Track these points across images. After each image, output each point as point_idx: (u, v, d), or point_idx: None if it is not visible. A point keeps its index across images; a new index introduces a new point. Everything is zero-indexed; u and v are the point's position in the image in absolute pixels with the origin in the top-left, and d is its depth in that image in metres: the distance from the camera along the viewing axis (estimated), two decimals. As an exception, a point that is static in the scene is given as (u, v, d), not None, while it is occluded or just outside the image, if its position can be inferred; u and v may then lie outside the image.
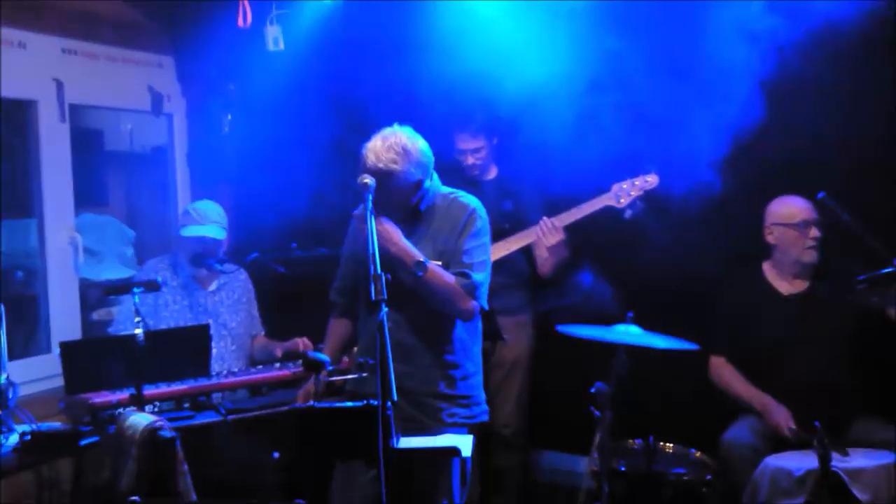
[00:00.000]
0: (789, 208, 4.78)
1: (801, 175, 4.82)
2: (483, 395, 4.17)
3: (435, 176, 4.04)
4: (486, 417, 4.17)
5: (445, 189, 4.09)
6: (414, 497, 3.84)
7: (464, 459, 3.74)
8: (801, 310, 4.73)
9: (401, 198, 3.89)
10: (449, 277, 3.88)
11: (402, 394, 3.32)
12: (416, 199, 3.94)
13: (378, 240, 3.50)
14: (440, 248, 3.95)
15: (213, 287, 5.04)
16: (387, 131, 3.87)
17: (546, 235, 5.01)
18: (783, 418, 4.54)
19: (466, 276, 3.93)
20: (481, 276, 3.98)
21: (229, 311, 5.06)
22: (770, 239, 4.84)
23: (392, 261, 3.74)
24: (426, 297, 3.87)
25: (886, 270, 3.91)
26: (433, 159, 3.98)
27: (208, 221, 4.97)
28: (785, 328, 4.71)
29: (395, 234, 3.82)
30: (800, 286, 4.80)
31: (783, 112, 4.71)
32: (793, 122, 4.76)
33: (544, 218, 5.03)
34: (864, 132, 4.80)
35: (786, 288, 4.82)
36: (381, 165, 3.78)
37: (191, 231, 4.93)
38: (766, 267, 4.89)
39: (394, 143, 3.81)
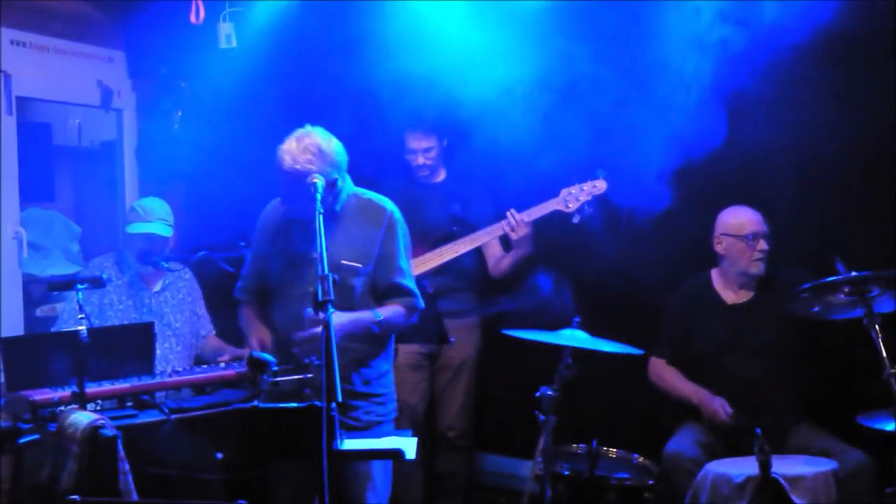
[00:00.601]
0: (739, 220, 4.78)
1: (750, 186, 4.86)
2: (394, 394, 4.16)
3: (347, 177, 4.01)
4: (395, 414, 4.16)
5: (357, 189, 4.08)
6: (337, 489, 3.77)
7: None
8: (744, 319, 4.75)
9: (310, 185, 3.82)
10: (398, 310, 3.95)
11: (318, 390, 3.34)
12: (332, 199, 3.91)
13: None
14: (358, 247, 3.93)
15: (157, 287, 4.98)
16: (300, 132, 3.87)
17: (516, 229, 4.99)
18: (719, 404, 4.57)
19: (408, 291, 3.99)
20: (414, 283, 4.05)
21: (174, 310, 5.00)
22: (718, 248, 4.84)
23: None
24: (384, 334, 3.96)
25: (828, 280, 3.93)
26: (347, 158, 3.96)
27: (154, 218, 4.91)
28: (726, 336, 4.73)
29: (343, 323, 3.74)
30: (744, 296, 4.82)
31: (735, 125, 4.72)
32: (743, 135, 4.78)
33: (512, 211, 5.00)
34: (815, 145, 4.84)
35: (730, 297, 4.83)
36: (297, 167, 3.78)
37: (137, 228, 4.87)
38: (714, 275, 4.90)
39: (309, 144, 3.82)
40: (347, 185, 4.01)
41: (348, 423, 3.89)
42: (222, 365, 4.71)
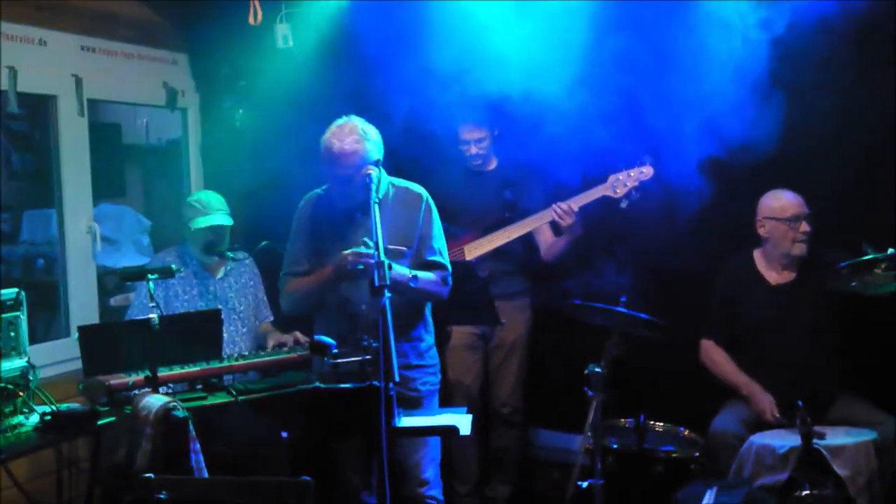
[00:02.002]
0: (781, 203, 4.78)
1: (789, 170, 4.83)
2: (439, 362, 4.33)
3: (382, 168, 4.12)
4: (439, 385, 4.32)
5: (392, 178, 4.22)
6: (396, 464, 3.96)
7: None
8: (787, 298, 4.74)
9: (363, 176, 3.97)
10: (432, 276, 4.12)
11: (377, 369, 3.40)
12: (374, 185, 3.98)
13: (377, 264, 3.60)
14: (401, 231, 4.09)
15: (220, 274, 5.05)
16: (341, 120, 4.08)
17: (563, 217, 5.00)
18: (768, 405, 4.56)
19: (442, 266, 4.17)
20: (448, 260, 4.23)
21: (238, 295, 5.06)
22: (761, 231, 4.84)
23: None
24: (417, 296, 4.10)
25: (866, 258, 3.91)
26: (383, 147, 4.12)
27: (213, 210, 4.98)
28: (770, 314, 4.72)
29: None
30: (787, 276, 4.81)
31: (770, 109, 4.66)
32: (779, 119, 4.69)
33: (557, 203, 5.01)
34: (848, 126, 4.80)
35: (773, 278, 4.83)
36: (345, 147, 3.96)
37: (201, 223, 4.93)
38: (757, 256, 4.89)
39: (352, 128, 4.02)
40: (384, 175, 4.14)
41: (408, 395, 4.04)
42: (286, 349, 4.78)
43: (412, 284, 3.97)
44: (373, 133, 4.06)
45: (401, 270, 3.95)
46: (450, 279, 4.18)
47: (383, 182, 4.11)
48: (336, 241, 4.05)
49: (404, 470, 4.06)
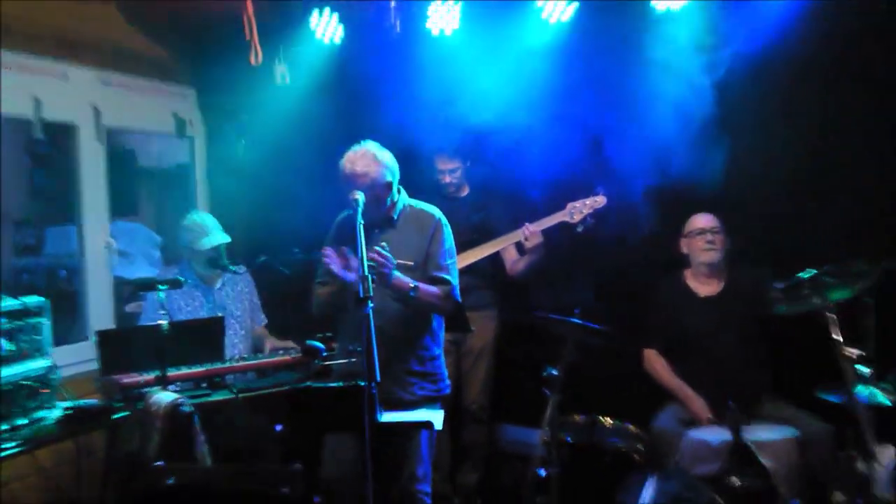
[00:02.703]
0: (692, 221, 4.93)
1: (724, 199, 4.95)
2: (446, 373, 4.25)
3: (402, 190, 4.14)
4: (448, 391, 4.24)
5: (411, 200, 4.21)
6: (390, 461, 3.92)
7: (432, 431, 3.84)
8: (715, 309, 4.81)
9: (376, 196, 3.99)
10: (434, 290, 4.01)
11: (383, 371, 3.39)
12: (389, 205, 4.02)
13: (378, 270, 3.67)
14: (414, 251, 4.06)
15: (218, 285, 5.08)
16: (357, 146, 4.03)
17: (529, 238, 5.08)
18: (702, 409, 4.61)
19: (446, 281, 4.07)
20: (455, 278, 4.12)
21: (234, 302, 5.09)
22: (684, 249, 4.95)
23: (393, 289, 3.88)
24: (420, 306, 4.00)
25: (795, 280, 4.00)
26: (399, 171, 4.09)
27: (213, 230, 5.02)
28: (702, 324, 4.78)
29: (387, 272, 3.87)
30: (714, 289, 4.88)
31: (705, 145, 4.81)
32: (720, 154, 4.85)
33: (526, 224, 5.09)
34: (779, 164, 4.92)
35: (702, 291, 4.90)
36: (357, 169, 3.93)
37: (206, 243, 4.95)
38: (687, 274, 4.97)
39: (366, 152, 3.99)
40: (402, 198, 4.15)
41: (406, 399, 4.00)
42: (281, 352, 4.84)
43: (412, 294, 3.91)
44: (386, 157, 4.03)
45: (403, 279, 3.90)
46: (455, 294, 4.09)
47: (399, 202, 4.12)
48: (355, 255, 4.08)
49: (398, 466, 4.02)
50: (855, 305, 4.04)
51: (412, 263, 4.03)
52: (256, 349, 5.08)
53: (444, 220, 4.18)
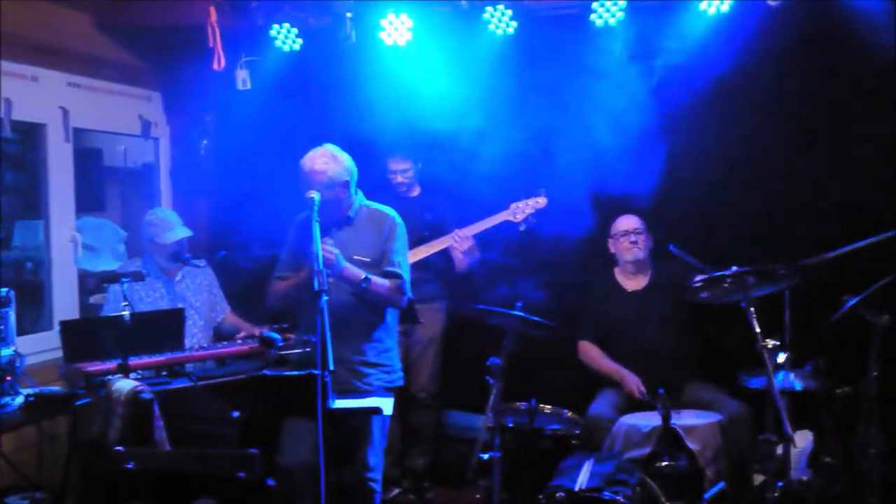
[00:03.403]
0: (618, 223, 4.95)
1: (647, 200, 4.94)
2: (399, 365, 4.21)
3: (360, 191, 4.08)
4: (401, 382, 4.21)
5: (367, 201, 4.16)
6: (344, 449, 3.88)
7: (383, 416, 3.77)
8: (642, 302, 4.84)
9: (334, 195, 3.94)
10: (386, 283, 3.98)
11: (340, 362, 3.34)
12: (347, 205, 3.96)
13: (325, 262, 3.59)
14: (370, 249, 4.02)
15: (178, 277, 4.95)
16: (318, 147, 4.00)
17: (458, 243, 5.05)
18: (635, 384, 4.63)
19: (398, 276, 4.04)
20: (406, 273, 4.10)
21: (194, 293, 4.97)
22: (612, 249, 4.97)
23: (344, 280, 3.84)
24: (372, 298, 3.95)
25: (717, 273, 3.99)
26: (357, 172, 4.05)
27: (176, 225, 4.90)
28: (630, 316, 4.81)
29: (344, 266, 3.85)
30: (640, 284, 4.92)
31: (639, 153, 4.84)
32: (644, 161, 4.86)
33: (455, 230, 5.06)
34: (702, 169, 4.97)
35: (630, 285, 4.93)
36: (316, 167, 3.90)
37: (169, 237, 4.84)
38: (616, 270, 5.01)
39: (325, 152, 3.97)
40: (359, 198, 4.10)
41: (362, 388, 3.95)
42: (239, 341, 4.72)
43: (363, 285, 3.87)
44: (345, 159, 4.00)
45: (354, 271, 3.87)
46: (405, 288, 4.06)
47: (356, 203, 4.07)
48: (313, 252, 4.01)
49: (350, 455, 3.97)
50: (772, 299, 4.07)
51: (369, 260, 3.99)
52: (224, 336, 4.96)
53: (400, 220, 4.14)
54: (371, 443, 3.98)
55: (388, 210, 4.16)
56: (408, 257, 4.17)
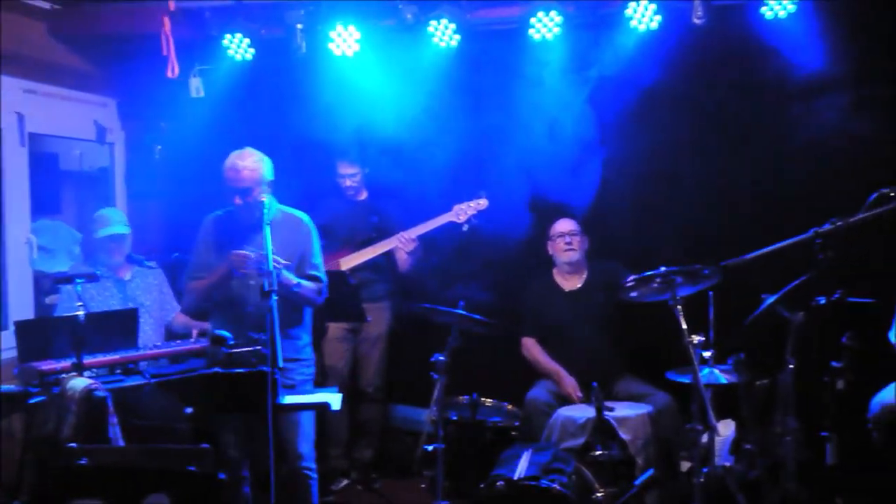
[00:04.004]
0: (555, 226, 4.96)
1: (582, 204, 4.99)
2: (314, 358, 4.19)
3: (273, 198, 4.04)
4: (314, 376, 4.20)
5: (281, 205, 4.11)
6: (280, 442, 3.85)
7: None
8: (578, 301, 4.86)
9: (259, 196, 3.90)
10: (312, 286, 4.01)
11: (262, 358, 3.37)
12: (266, 207, 3.88)
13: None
14: (289, 251, 3.97)
15: (128, 277, 4.82)
16: (240, 150, 3.98)
17: (403, 244, 5.02)
18: (572, 387, 4.63)
19: (319, 279, 4.06)
20: (324, 275, 4.11)
21: (144, 293, 4.84)
22: (550, 250, 4.98)
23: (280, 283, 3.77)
24: (298, 300, 3.95)
25: (647, 274, 4.01)
26: (274, 177, 4.03)
27: (113, 223, 4.76)
28: (568, 315, 4.82)
29: (282, 275, 3.82)
30: (576, 283, 4.93)
31: (574, 159, 4.88)
32: (580, 167, 4.91)
33: (401, 232, 5.03)
34: (628, 177, 5.01)
35: (567, 285, 4.94)
36: (247, 164, 3.92)
37: (102, 233, 4.72)
38: (555, 271, 5.01)
39: (253, 152, 3.99)
40: (275, 203, 4.05)
41: (286, 383, 3.89)
42: (192, 340, 4.62)
43: (295, 289, 3.88)
44: (266, 160, 4.00)
45: (288, 276, 3.86)
46: (325, 290, 4.09)
47: (273, 207, 4.01)
48: (225, 252, 3.94)
49: (284, 447, 3.93)
50: (698, 298, 4.12)
51: (289, 262, 3.94)
52: (175, 335, 4.84)
53: (312, 223, 4.14)
54: (301, 432, 3.95)
55: (302, 214, 4.15)
56: (322, 259, 4.17)
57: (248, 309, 3.91)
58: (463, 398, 4.45)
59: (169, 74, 5.10)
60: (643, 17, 4.70)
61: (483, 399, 4.47)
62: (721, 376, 4.05)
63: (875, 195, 3.57)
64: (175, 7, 4.87)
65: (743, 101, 4.91)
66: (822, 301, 3.70)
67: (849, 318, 3.82)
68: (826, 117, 4.71)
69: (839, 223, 3.60)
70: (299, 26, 5.12)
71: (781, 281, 3.92)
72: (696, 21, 4.60)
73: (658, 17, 4.70)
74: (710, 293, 4.14)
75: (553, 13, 4.79)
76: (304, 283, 3.95)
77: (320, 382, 4.86)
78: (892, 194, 3.55)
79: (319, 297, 4.06)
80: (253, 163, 3.90)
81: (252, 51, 5.33)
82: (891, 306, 3.94)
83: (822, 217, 3.65)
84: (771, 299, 3.94)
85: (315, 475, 4.02)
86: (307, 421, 3.98)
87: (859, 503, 4.13)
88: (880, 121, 4.63)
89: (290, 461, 3.94)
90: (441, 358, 4.09)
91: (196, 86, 5.44)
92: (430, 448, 4.10)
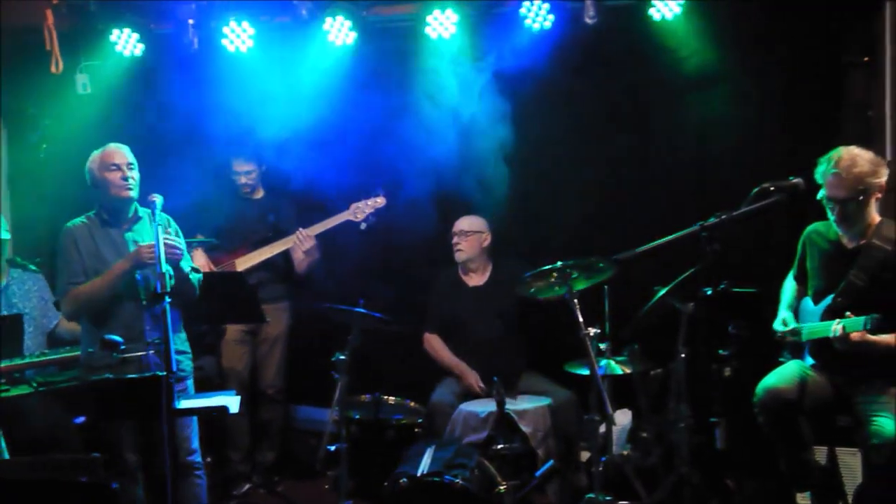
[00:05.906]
0: (455, 225, 4.90)
1: (486, 201, 5.00)
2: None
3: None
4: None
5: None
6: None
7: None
8: (481, 296, 4.86)
9: (130, 192, 3.87)
10: (197, 275, 3.96)
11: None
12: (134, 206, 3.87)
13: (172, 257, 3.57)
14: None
15: (4, 282, 4.56)
16: (110, 145, 3.95)
17: (301, 242, 4.97)
18: (474, 380, 4.66)
19: (198, 271, 4.00)
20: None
21: (22, 299, 4.58)
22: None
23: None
24: (186, 292, 3.84)
25: (544, 268, 4.06)
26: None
27: None
28: (470, 311, 4.83)
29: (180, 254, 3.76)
30: (480, 279, 4.93)
31: (477, 157, 4.92)
32: (480, 163, 4.94)
33: (299, 229, 4.98)
34: (527, 168, 5.07)
35: (471, 281, 4.94)
36: (129, 160, 3.89)
37: None
38: (459, 267, 4.97)
39: (122, 146, 3.94)
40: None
41: (179, 375, 3.72)
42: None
43: (192, 278, 3.86)
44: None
45: (185, 264, 3.81)
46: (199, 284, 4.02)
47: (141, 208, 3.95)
48: (114, 251, 3.82)
49: (177, 444, 3.74)
50: (594, 292, 4.18)
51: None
52: (61, 341, 4.63)
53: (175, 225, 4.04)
54: (194, 429, 3.90)
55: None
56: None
57: (139, 311, 3.78)
58: (366, 397, 4.43)
59: (53, 70, 4.92)
60: (537, 16, 4.80)
61: (386, 397, 4.46)
62: (617, 367, 4.15)
63: (756, 189, 3.73)
64: (58, -1, 4.70)
65: (634, 98, 5.04)
66: (709, 292, 3.83)
67: (733, 308, 3.98)
68: (710, 112, 4.90)
69: (723, 216, 3.75)
70: (191, 21, 5.02)
71: (672, 273, 4.05)
72: (588, 21, 4.72)
73: (551, 17, 4.80)
74: (605, 287, 4.21)
75: (449, 11, 4.84)
76: (194, 276, 3.89)
77: (220, 385, 4.78)
78: (773, 188, 3.72)
79: (198, 291, 3.97)
80: (131, 157, 3.89)
81: (141, 46, 5.20)
82: (771, 295, 4.12)
83: (709, 210, 3.79)
84: (662, 291, 4.06)
85: (202, 469, 3.97)
86: (195, 419, 3.91)
87: (747, 483, 4.33)
88: (760, 113, 4.85)
89: (182, 456, 3.84)
90: (342, 357, 4.08)
91: (83, 82, 5.26)
92: (334, 448, 4.08)
